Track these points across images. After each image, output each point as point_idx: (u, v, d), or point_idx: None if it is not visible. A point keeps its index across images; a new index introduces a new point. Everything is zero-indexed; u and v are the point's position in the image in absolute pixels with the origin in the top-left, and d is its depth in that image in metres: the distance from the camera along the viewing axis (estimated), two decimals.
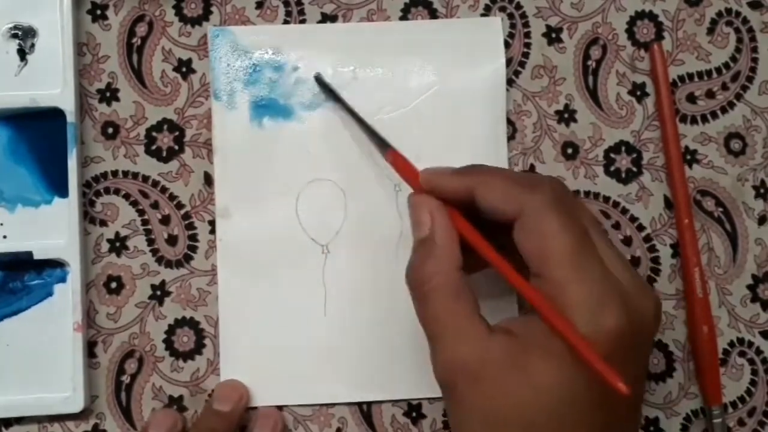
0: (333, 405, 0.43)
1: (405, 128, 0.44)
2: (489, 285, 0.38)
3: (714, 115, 0.45)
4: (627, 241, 0.44)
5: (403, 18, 0.44)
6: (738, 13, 0.45)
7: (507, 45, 0.44)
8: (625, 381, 0.28)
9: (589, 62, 0.45)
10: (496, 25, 0.44)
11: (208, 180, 0.43)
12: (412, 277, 0.33)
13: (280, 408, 0.42)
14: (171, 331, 0.43)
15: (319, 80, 0.43)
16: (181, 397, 0.42)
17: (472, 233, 0.33)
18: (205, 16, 0.44)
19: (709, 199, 0.44)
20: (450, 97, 0.44)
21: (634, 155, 0.44)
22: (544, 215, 0.31)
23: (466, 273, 0.33)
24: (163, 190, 0.43)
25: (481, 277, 0.36)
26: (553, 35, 0.45)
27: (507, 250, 0.32)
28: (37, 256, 0.41)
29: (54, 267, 0.42)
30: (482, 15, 0.45)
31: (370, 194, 0.43)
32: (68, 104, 0.42)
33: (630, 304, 0.30)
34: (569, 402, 0.30)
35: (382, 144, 0.39)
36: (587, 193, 0.44)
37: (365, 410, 0.43)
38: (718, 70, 0.45)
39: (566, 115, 0.44)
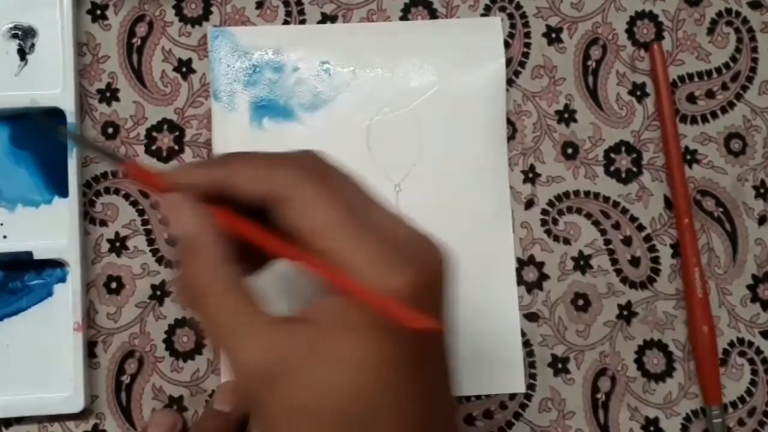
0: None
1: (405, 128, 0.44)
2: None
3: (714, 115, 0.45)
4: (627, 241, 0.44)
5: (403, 18, 0.44)
6: (738, 13, 0.45)
7: (507, 45, 0.44)
8: (425, 335, 0.27)
9: (589, 62, 0.45)
10: (496, 25, 0.44)
11: None
12: (179, 286, 0.30)
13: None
14: (171, 331, 0.43)
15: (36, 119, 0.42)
16: (181, 397, 0.43)
17: (237, 221, 0.30)
18: (205, 16, 0.44)
19: (709, 199, 0.44)
20: (450, 98, 0.44)
21: (634, 155, 0.44)
22: (303, 190, 0.29)
23: (248, 271, 0.30)
24: None
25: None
26: (553, 35, 0.45)
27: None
28: (37, 256, 0.41)
29: (54, 267, 0.42)
30: (482, 15, 0.45)
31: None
32: (68, 104, 0.41)
33: (415, 259, 0.28)
34: (381, 378, 0.27)
35: (115, 159, 0.37)
36: (587, 193, 0.44)
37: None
38: (718, 70, 0.45)
39: (566, 115, 0.44)
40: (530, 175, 0.44)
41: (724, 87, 0.45)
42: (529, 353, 0.43)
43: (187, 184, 0.30)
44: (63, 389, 0.41)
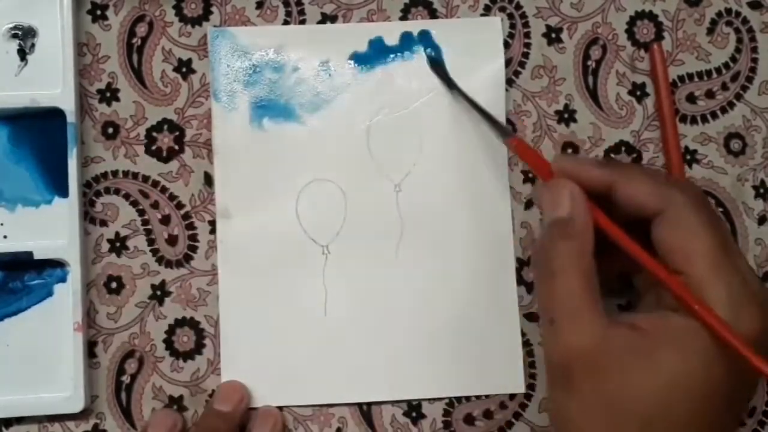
0: (333, 405, 0.43)
1: (405, 129, 0.44)
2: None
3: (714, 115, 0.45)
4: None
5: (403, 18, 0.45)
6: (738, 13, 0.45)
7: (507, 45, 0.45)
8: (750, 381, 0.29)
9: (589, 62, 0.45)
10: (495, 25, 0.44)
11: (209, 180, 0.43)
12: (542, 254, 0.33)
13: (280, 408, 0.42)
14: (171, 331, 0.43)
15: (434, 64, 0.43)
16: (181, 397, 0.43)
17: (611, 225, 0.33)
18: (205, 16, 0.44)
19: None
20: (450, 98, 0.44)
21: (634, 155, 0.44)
22: (689, 212, 0.31)
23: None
24: (163, 190, 0.43)
25: None
26: (553, 35, 0.45)
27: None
28: (37, 256, 0.41)
29: (54, 267, 0.42)
30: (482, 15, 0.45)
31: (370, 195, 0.43)
32: (68, 104, 0.42)
33: (765, 310, 0.31)
34: (695, 397, 0.30)
35: (503, 131, 0.39)
36: None
37: (365, 410, 0.43)
38: (718, 70, 0.45)
39: (566, 115, 0.44)
40: (530, 175, 0.44)
41: (724, 87, 0.45)
42: (529, 353, 0.43)
43: (578, 174, 0.34)
44: (63, 389, 0.41)
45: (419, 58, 0.44)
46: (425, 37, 0.44)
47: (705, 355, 0.30)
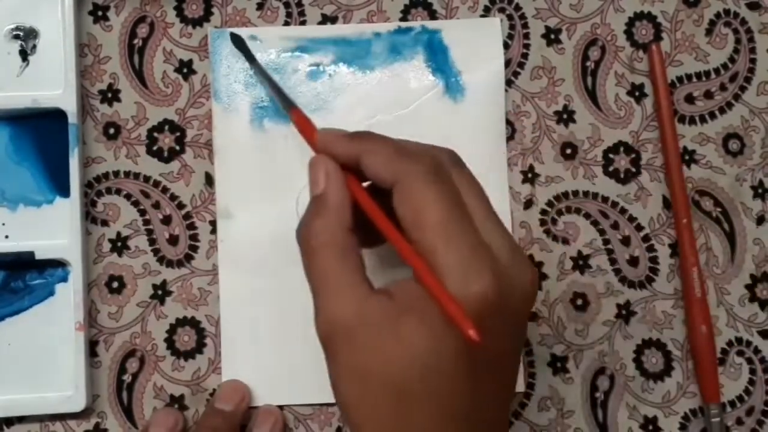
0: (333, 404, 0.43)
1: (405, 129, 0.44)
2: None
3: (712, 115, 0.45)
4: (625, 241, 0.44)
5: (403, 19, 0.45)
6: (736, 14, 0.45)
7: (506, 46, 0.45)
8: (490, 346, 0.29)
9: (588, 63, 0.45)
10: (495, 26, 0.44)
11: (209, 180, 0.44)
12: (301, 233, 0.33)
13: (281, 407, 0.43)
14: (172, 330, 0.43)
15: (235, 40, 0.43)
16: (182, 396, 0.43)
17: (362, 196, 0.33)
18: (206, 17, 0.44)
19: (707, 199, 0.45)
20: (449, 98, 0.44)
21: (633, 155, 0.45)
22: (419, 185, 0.31)
23: (362, 245, 0.33)
24: (165, 190, 0.43)
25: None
26: (552, 36, 0.45)
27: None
28: (38, 255, 0.42)
29: (56, 267, 0.42)
30: (482, 16, 0.45)
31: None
32: (70, 105, 0.42)
33: (502, 274, 0.31)
34: (438, 368, 0.30)
35: (287, 103, 0.39)
36: (586, 194, 0.44)
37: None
38: (717, 71, 0.45)
39: (565, 116, 0.45)
40: (529, 175, 0.44)
41: (723, 87, 0.45)
42: (528, 352, 0.43)
43: (332, 150, 0.34)
44: (64, 388, 0.41)
45: (419, 58, 0.44)
46: (425, 38, 0.44)
47: (438, 323, 0.30)
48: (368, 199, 0.33)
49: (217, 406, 0.41)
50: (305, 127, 0.37)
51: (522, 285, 0.32)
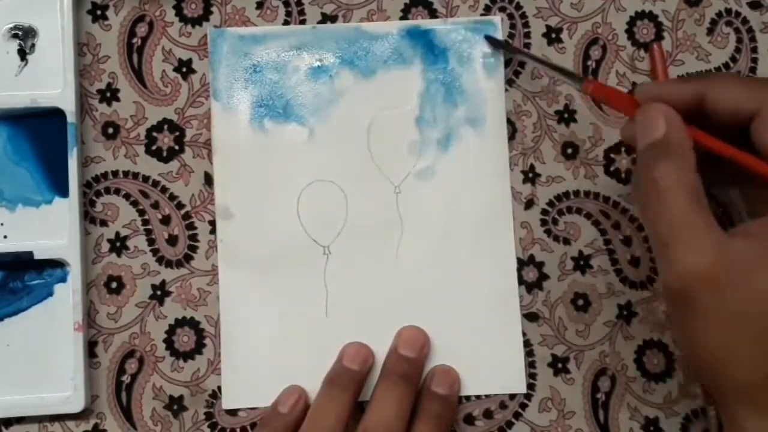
0: None
1: (404, 128, 0.44)
2: None
3: None
4: (627, 241, 0.44)
5: (403, 18, 0.45)
6: (738, 14, 0.45)
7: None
8: None
9: (589, 62, 0.45)
10: (495, 26, 0.44)
11: (209, 180, 0.43)
12: (644, 178, 0.31)
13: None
14: (171, 330, 0.43)
15: (491, 40, 0.44)
16: (181, 397, 0.43)
17: (709, 138, 0.32)
18: (206, 16, 0.44)
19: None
20: (449, 98, 0.44)
21: (634, 155, 0.44)
22: None
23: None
24: (164, 190, 0.43)
25: None
26: (553, 35, 0.45)
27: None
28: (37, 256, 0.41)
29: (54, 267, 0.42)
30: (482, 15, 0.45)
31: (370, 195, 0.43)
32: (68, 104, 0.42)
33: None
34: None
35: (574, 77, 0.39)
36: (587, 193, 0.44)
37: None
38: (718, 70, 0.45)
39: (566, 115, 0.44)
40: (530, 175, 0.44)
41: None
42: (529, 353, 0.43)
43: (666, 95, 0.33)
44: (63, 389, 0.41)
45: (419, 57, 0.44)
46: (425, 37, 0.44)
47: None
48: (716, 140, 0.32)
49: (402, 353, 0.41)
50: (611, 94, 0.36)
51: None
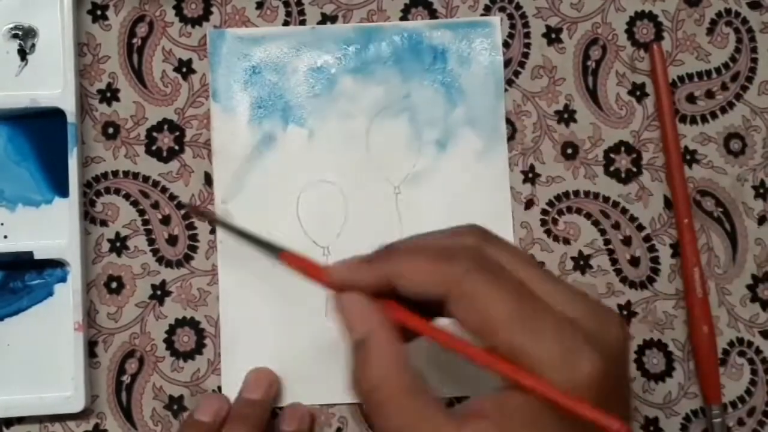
0: (333, 405, 0.43)
1: (405, 130, 0.44)
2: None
3: (713, 115, 0.45)
4: (626, 241, 0.44)
5: (403, 18, 0.45)
6: (737, 14, 0.45)
7: (507, 45, 0.45)
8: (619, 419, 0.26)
9: (589, 62, 0.45)
10: (495, 26, 0.44)
11: (209, 180, 0.43)
12: (359, 388, 0.30)
13: (280, 408, 0.42)
14: (171, 331, 0.43)
15: (192, 210, 0.42)
16: (181, 397, 0.43)
17: (416, 321, 0.30)
18: (206, 16, 0.44)
19: (708, 199, 0.44)
20: (449, 98, 0.44)
21: (634, 155, 0.44)
22: (476, 287, 0.28)
23: (405, 341, 0.30)
24: (164, 190, 0.43)
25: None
26: (553, 35, 0.45)
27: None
28: (37, 255, 0.41)
29: (54, 267, 0.42)
30: (482, 15, 0.45)
31: (370, 196, 0.43)
32: (69, 104, 0.42)
33: (597, 340, 0.28)
34: None
35: (271, 249, 0.35)
36: (587, 193, 0.44)
37: (366, 410, 0.43)
38: (718, 71, 0.45)
39: (566, 116, 0.44)
40: (530, 175, 0.44)
41: (724, 87, 0.45)
42: None
43: (355, 281, 0.31)
44: (64, 389, 0.41)
45: (419, 58, 0.44)
46: (425, 37, 0.44)
47: (552, 426, 0.27)
48: (416, 318, 0.30)
49: (246, 396, 0.41)
50: (307, 267, 0.33)
51: (615, 340, 0.29)
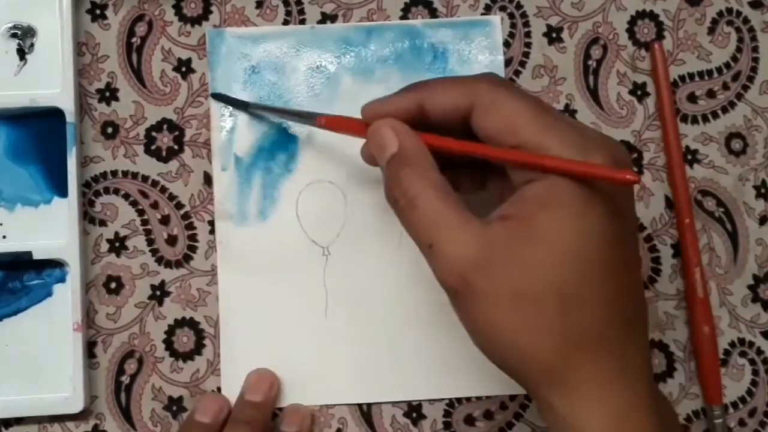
0: (333, 405, 0.43)
1: None
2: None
3: (715, 114, 0.45)
4: None
5: (404, 17, 0.44)
6: (739, 13, 0.45)
7: (507, 45, 0.44)
8: (628, 216, 0.31)
9: (590, 62, 0.45)
10: (495, 25, 0.44)
11: (208, 180, 0.43)
12: (392, 191, 0.32)
13: (279, 409, 0.42)
14: (171, 331, 0.43)
15: (218, 97, 0.43)
16: (180, 398, 0.42)
17: (440, 139, 0.33)
18: (205, 15, 0.44)
19: (710, 199, 0.44)
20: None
21: (635, 155, 0.44)
22: (497, 94, 0.32)
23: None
24: (163, 189, 0.43)
25: None
26: (554, 35, 0.45)
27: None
28: (36, 256, 0.41)
29: (53, 267, 0.42)
30: (482, 15, 0.45)
31: (370, 196, 0.43)
32: (68, 104, 0.41)
33: (607, 147, 0.31)
34: (589, 257, 0.29)
35: (311, 117, 0.38)
36: None
37: (365, 410, 0.43)
38: (719, 70, 0.45)
39: (567, 115, 0.44)
40: None
41: (725, 87, 0.45)
42: None
43: (389, 111, 0.34)
44: (62, 389, 0.41)
45: (419, 57, 0.44)
46: (425, 37, 0.44)
47: (573, 206, 0.30)
48: (446, 139, 0.33)
49: (247, 398, 0.41)
50: (341, 122, 0.37)
51: (621, 150, 0.32)
